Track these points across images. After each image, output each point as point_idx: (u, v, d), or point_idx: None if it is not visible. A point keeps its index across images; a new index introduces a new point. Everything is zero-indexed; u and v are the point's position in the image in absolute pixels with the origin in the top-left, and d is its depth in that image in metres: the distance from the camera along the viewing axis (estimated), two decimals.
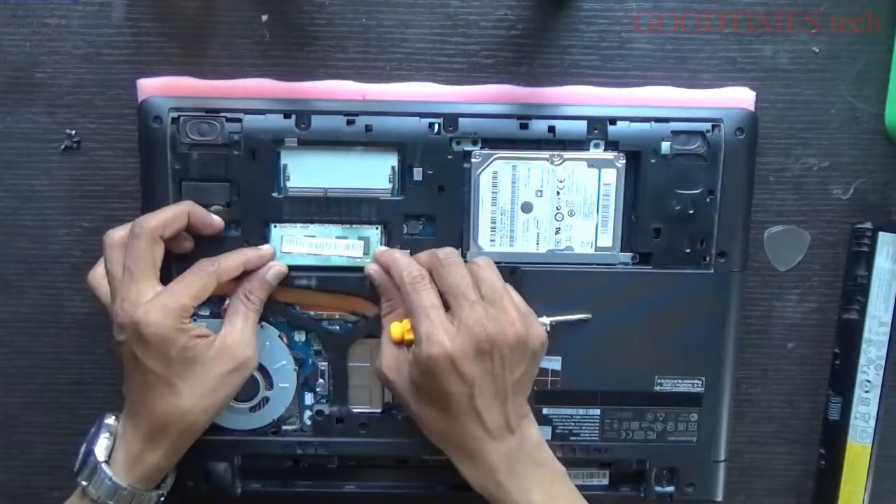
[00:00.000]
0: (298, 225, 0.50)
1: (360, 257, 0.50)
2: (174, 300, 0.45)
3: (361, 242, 0.50)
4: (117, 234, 0.47)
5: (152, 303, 0.45)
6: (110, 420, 0.47)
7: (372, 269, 0.50)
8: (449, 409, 0.46)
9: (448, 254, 0.48)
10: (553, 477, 0.47)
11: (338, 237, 0.50)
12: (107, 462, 0.45)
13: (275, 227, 0.50)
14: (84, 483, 0.45)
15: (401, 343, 0.47)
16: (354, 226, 0.50)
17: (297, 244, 0.50)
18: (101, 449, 0.46)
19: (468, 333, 0.44)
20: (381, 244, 0.50)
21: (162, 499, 0.48)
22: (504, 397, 0.46)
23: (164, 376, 0.45)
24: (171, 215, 0.47)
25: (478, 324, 0.44)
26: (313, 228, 0.50)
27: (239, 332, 0.47)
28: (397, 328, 0.47)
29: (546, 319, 0.49)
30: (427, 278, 0.47)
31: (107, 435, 0.46)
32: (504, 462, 0.46)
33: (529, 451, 0.47)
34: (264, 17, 0.52)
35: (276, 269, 0.49)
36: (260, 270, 0.49)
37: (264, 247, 0.50)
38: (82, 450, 0.46)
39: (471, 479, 0.47)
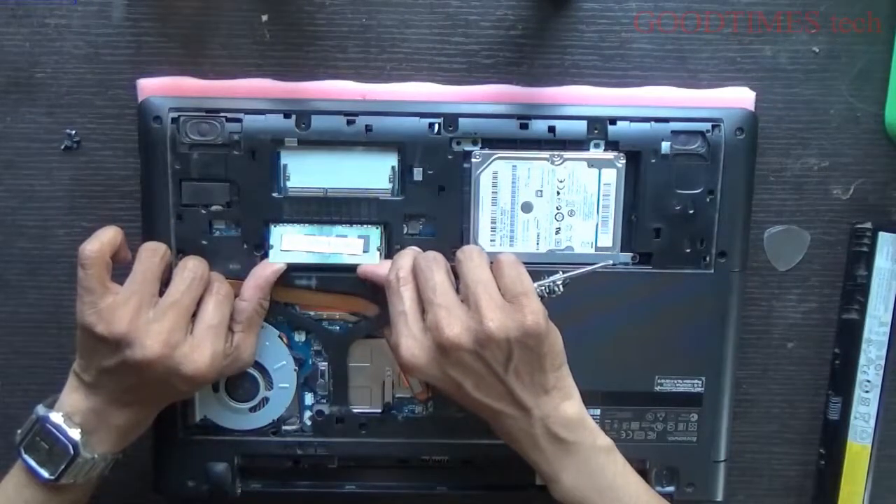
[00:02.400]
0: (298, 225, 0.50)
1: (359, 255, 0.50)
2: (221, 345, 0.46)
3: (361, 241, 0.50)
4: (96, 248, 0.45)
5: (208, 353, 0.45)
6: (58, 417, 0.45)
7: (364, 270, 0.50)
8: (451, 397, 0.46)
9: (422, 258, 0.47)
10: (589, 456, 0.46)
11: (337, 235, 0.50)
12: (94, 453, 0.45)
13: (275, 226, 0.50)
14: (71, 480, 0.45)
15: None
16: (354, 225, 0.50)
17: (297, 242, 0.50)
18: (84, 444, 0.45)
19: (431, 339, 0.44)
20: (381, 243, 0.50)
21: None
22: (502, 383, 0.45)
23: (184, 392, 0.47)
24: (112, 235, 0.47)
25: (436, 329, 0.44)
26: (313, 228, 0.50)
27: (250, 344, 0.49)
28: None
29: (559, 277, 0.47)
30: (402, 281, 0.46)
31: (77, 431, 0.45)
32: (526, 437, 0.46)
33: (554, 429, 0.45)
34: (264, 17, 0.52)
35: (280, 269, 0.50)
36: (267, 276, 0.49)
37: (267, 265, 0.50)
38: (37, 456, 0.45)
39: (504, 441, 0.47)
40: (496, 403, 0.45)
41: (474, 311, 0.44)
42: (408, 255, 0.48)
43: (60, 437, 0.45)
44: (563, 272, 0.48)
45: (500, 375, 0.44)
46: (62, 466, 0.44)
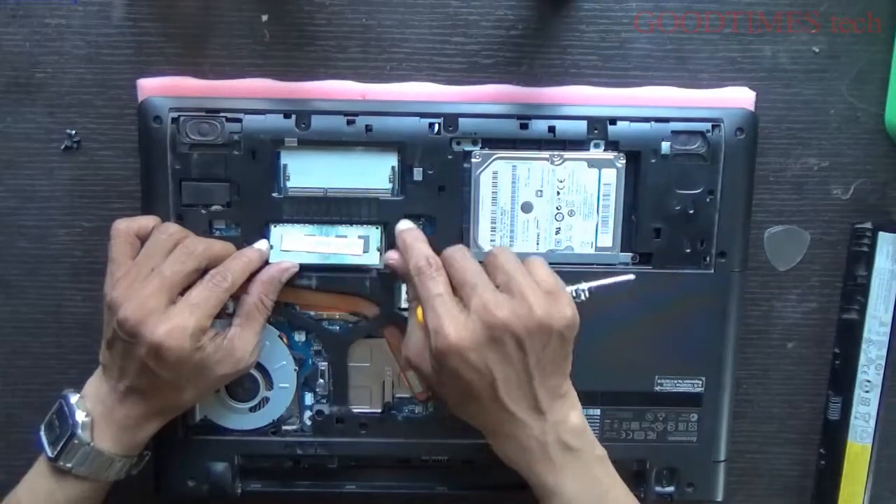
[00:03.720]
0: (298, 225, 0.50)
1: (359, 255, 0.50)
2: (195, 322, 0.45)
3: (361, 241, 0.50)
4: (130, 225, 0.48)
5: (173, 324, 0.44)
6: (75, 398, 0.47)
7: (392, 257, 0.49)
8: (471, 395, 0.45)
9: (455, 249, 0.47)
10: (590, 465, 0.46)
11: (337, 235, 0.50)
12: (91, 439, 0.46)
13: (275, 226, 0.50)
14: (69, 465, 0.46)
15: (425, 325, 0.47)
16: (354, 225, 0.50)
17: (297, 242, 0.50)
18: (84, 428, 0.46)
19: (477, 321, 0.43)
20: (380, 243, 0.50)
21: (147, 458, 0.50)
22: (529, 381, 0.44)
23: (173, 381, 0.46)
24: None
25: (485, 310, 0.43)
26: (313, 228, 0.50)
27: (247, 339, 0.48)
28: (421, 311, 0.47)
29: (584, 286, 0.47)
30: (434, 266, 0.46)
31: (83, 413, 0.46)
32: (536, 446, 0.45)
33: (563, 437, 0.45)
34: (264, 17, 0.52)
35: (291, 270, 0.50)
36: (272, 273, 0.49)
37: (260, 245, 0.50)
38: (50, 435, 0.46)
39: (500, 454, 0.46)
40: (517, 407, 0.45)
41: (520, 298, 0.44)
42: (422, 241, 0.48)
43: (68, 416, 0.46)
44: (586, 282, 0.47)
45: (529, 371, 0.44)
46: (60, 445, 0.45)
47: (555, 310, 0.44)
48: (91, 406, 0.47)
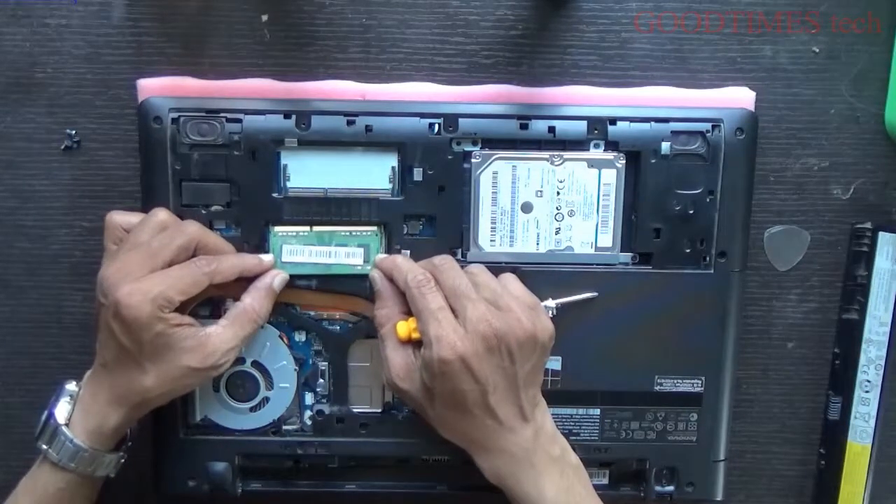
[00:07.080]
0: (298, 227, 0.50)
1: (360, 265, 0.50)
2: (158, 290, 0.45)
3: (361, 250, 0.50)
4: (119, 218, 0.48)
5: (137, 286, 0.44)
6: (71, 386, 0.47)
7: (375, 273, 0.50)
8: (463, 406, 0.46)
9: (444, 259, 0.48)
10: (565, 469, 0.47)
11: (337, 244, 0.50)
12: (66, 425, 0.46)
13: (274, 230, 0.50)
14: (45, 447, 0.46)
15: (408, 342, 0.47)
16: (354, 232, 0.50)
17: (297, 253, 0.50)
18: (61, 412, 0.46)
19: (475, 332, 0.44)
20: (381, 247, 0.50)
21: (122, 461, 0.49)
22: (516, 390, 0.46)
23: (135, 354, 0.45)
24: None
25: (483, 321, 0.44)
26: (313, 233, 0.50)
27: (225, 339, 0.47)
28: (403, 327, 0.47)
29: (552, 302, 0.49)
30: (432, 281, 0.47)
31: (67, 399, 0.47)
32: (520, 453, 0.46)
33: (544, 443, 0.47)
34: (264, 17, 0.52)
35: (281, 277, 0.50)
36: (265, 279, 0.49)
37: (265, 257, 0.50)
38: (43, 415, 0.47)
39: (486, 470, 0.47)
40: (507, 416, 0.46)
41: (508, 312, 0.45)
42: (408, 259, 0.49)
43: (54, 400, 0.47)
44: (553, 299, 0.49)
45: (517, 380, 0.46)
46: (40, 426, 0.46)
47: (539, 322, 0.46)
48: (77, 392, 0.47)
